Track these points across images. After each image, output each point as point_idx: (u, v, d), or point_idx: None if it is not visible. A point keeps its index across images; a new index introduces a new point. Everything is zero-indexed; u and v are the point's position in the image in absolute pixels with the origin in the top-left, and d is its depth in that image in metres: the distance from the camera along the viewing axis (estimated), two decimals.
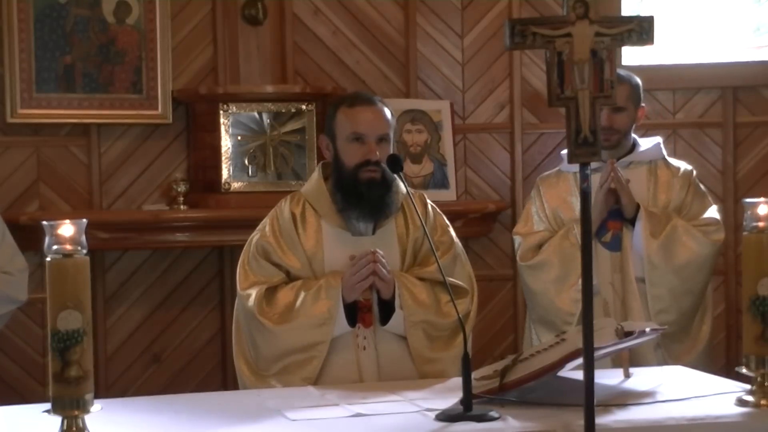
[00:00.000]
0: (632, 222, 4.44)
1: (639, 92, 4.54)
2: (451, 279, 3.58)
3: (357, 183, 3.60)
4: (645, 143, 4.60)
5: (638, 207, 4.43)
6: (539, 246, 4.55)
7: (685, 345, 4.50)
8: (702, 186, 4.62)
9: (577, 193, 4.51)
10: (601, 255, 4.46)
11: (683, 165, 4.63)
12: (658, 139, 4.66)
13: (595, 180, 4.45)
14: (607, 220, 4.48)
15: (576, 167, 4.52)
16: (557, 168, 4.69)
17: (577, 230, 4.40)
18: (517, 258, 4.62)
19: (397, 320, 3.57)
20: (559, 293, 4.45)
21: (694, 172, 4.62)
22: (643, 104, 4.57)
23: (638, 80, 4.56)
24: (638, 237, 4.42)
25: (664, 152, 4.63)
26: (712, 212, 4.53)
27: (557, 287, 4.45)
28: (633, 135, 4.58)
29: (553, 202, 4.57)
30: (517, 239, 4.64)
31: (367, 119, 3.63)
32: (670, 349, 4.45)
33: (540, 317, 4.56)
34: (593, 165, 4.46)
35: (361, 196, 3.60)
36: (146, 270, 5.30)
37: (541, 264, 4.51)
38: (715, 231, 4.48)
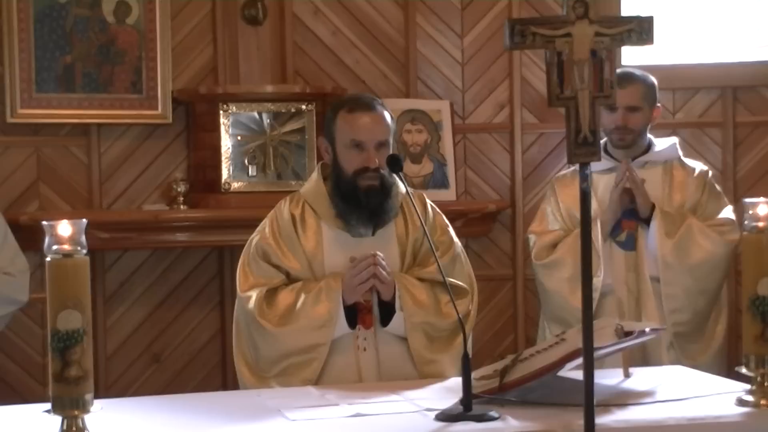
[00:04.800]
0: (647, 222, 4.45)
1: (654, 92, 4.54)
2: (450, 279, 3.58)
3: (356, 190, 3.60)
4: (661, 143, 4.61)
5: (653, 207, 4.44)
6: (554, 245, 4.55)
7: (700, 345, 4.49)
8: (718, 186, 4.63)
9: (592, 193, 4.52)
10: (616, 254, 4.48)
11: (699, 165, 4.63)
12: (674, 140, 4.67)
13: (611, 180, 4.47)
14: (621, 220, 4.48)
15: (592, 166, 4.56)
16: (572, 168, 4.69)
17: (591, 230, 4.41)
18: (532, 257, 4.62)
19: (397, 321, 3.57)
20: (573, 292, 4.44)
21: (710, 173, 4.62)
22: (658, 104, 4.58)
23: (653, 80, 4.56)
24: (653, 237, 4.43)
25: (680, 152, 4.63)
26: (728, 212, 4.53)
27: (571, 286, 4.45)
28: (649, 135, 4.59)
29: (567, 202, 4.57)
30: (532, 238, 4.64)
31: (367, 126, 3.61)
32: (684, 349, 4.45)
33: (554, 316, 4.56)
34: (608, 165, 4.52)
35: (360, 202, 3.60)
36: (146, 270, 5.30)
37: (556, 263, 4.51)
38: (730, 231, 4.47)
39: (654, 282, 4.45)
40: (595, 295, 4.40)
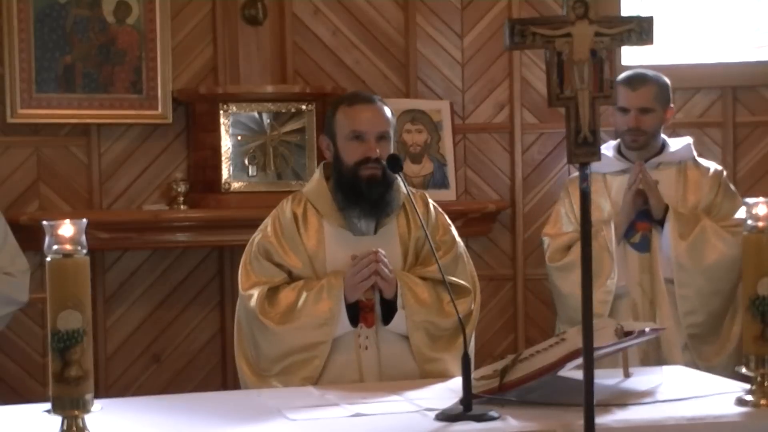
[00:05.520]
0: (661, 223, 4.45)
1: (667, 92, 4.55)
2: (452, 278, 3.59)
3: (357, 181, 3.60)
4: (675, 144, 4.61)
5: (667, 208, 4.43)
6: (568, 247, 4.55)
7: (715, 346, 4.49)
8: (732, 186, 4.62)
9: (606, 195, 4.52)
10: (630, 256, 4.48)
11: (713, 165, 4.63)
12: (688, 140, 4.66)
13: (624, 182, 4.46)
14: (635, 221, 4.49)
15: (606, 168, 4.55)
16: None
17: (605, 232, 4.41)
18: (546, 259, 4.62)
19: (399, 320, 3.57)
20: None
21: (725, 173, 4.62)
22: (671, 105, 4.58)
23: (666, 80, 4.56)
24: (667, 238, 4.43)
25: (694, 153, 4.63)
26: (743, 213, 4.52)
27: None
28: (662, 136, 4.59)
29: None
30: (546, 240, 4.64)
31: (367, 117, 3.64)
32: (699, 350, 4.45)
33: (569, 318, 4.54)
34: (622, 167, 4.52)
35: (362, 194, 3.60)
36: (146, 270, 5.30)
37: (570, 265, 4.50)
38: None
39: (668, 284, 4.45)
40: (610, 298, 4.40)
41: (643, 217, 4.49)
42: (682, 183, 4.55)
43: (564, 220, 4.62)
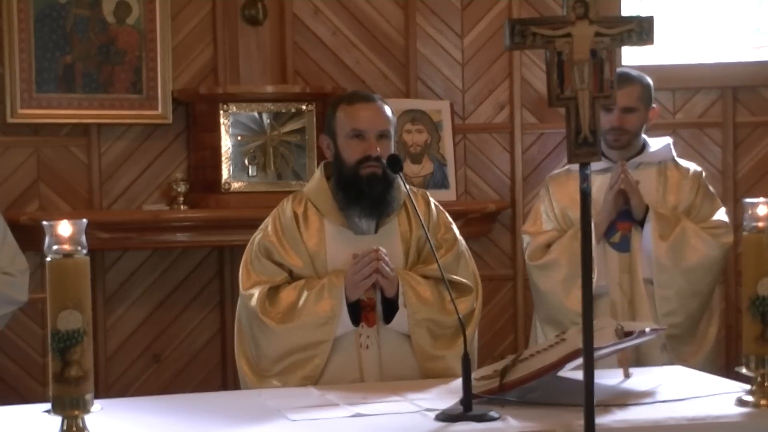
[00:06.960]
0: (641, 223, 4.44)
1: (650, 92, 4.54)
2: (454, 276, 3.60)
3: (358, 179, 3.60)
4: (655, 144, 4.60)
5: (647, 208, 4.43)
6: (548, 245, 4.54)
7: (692, 347, 4.49)
8: (711, 188, 4.63)
9: None
10: (610, 256, 4.46)
11: (693, 166, 4.63)
12: (668, 140, 4.66)
13: (605, 181, 4.46)
14: (616, 221, 4.47)
15: None
16: (566, 167, 4.67)
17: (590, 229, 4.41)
18: (526, 257, 4.61)
19: (400, 318, 3.57)
20: (568, 293, 4.43)
21: (704, 174, 4.62)
22: (654, 105, 4.57)
23: (650, 80, 4.55)
24: (647, 238, 4.42)
25: (674, 153, 4.63)
26: (721, 214, 4.53)
27: (566, 287, 4.43)
28: (643, 136, 4.58)
29: (562, 202, 4.56)
30: (526, 238, 4.63)
31: (367, 116, 3.64)
32: (676, 350, 4.44)
33: (548, 316, 4.55)
34: (603, 165, 4.52)
35: (363, 192, 3.60)
36: (146, 270, 5.30)
37: (550, 264, 4.49)
38: (724, 233, 4.47)
39: (648, 284, 4.44)
40: None
41: (624, 217, 4.48)
42: (662, 183, 4.54)
43: (543, 218, 4.61)
